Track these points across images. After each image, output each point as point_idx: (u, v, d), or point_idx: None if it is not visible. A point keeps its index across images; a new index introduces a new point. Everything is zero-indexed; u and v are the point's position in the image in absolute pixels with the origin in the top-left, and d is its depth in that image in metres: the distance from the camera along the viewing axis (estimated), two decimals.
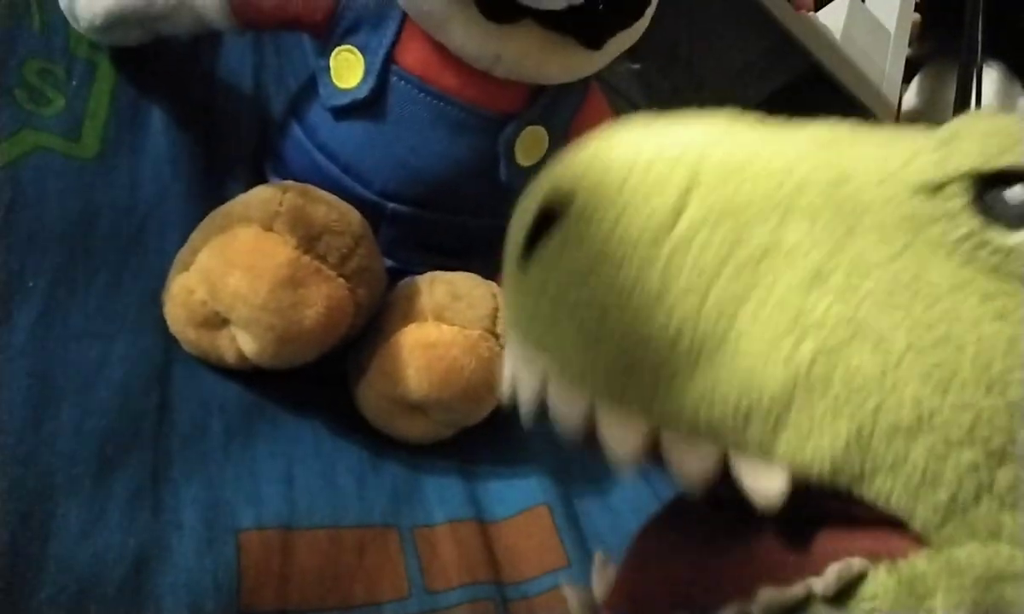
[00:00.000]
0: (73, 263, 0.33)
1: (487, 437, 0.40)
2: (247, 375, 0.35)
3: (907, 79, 0.75)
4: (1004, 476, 0.18)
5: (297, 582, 0.30)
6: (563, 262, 0.20)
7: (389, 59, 0.36)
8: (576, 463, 0.42)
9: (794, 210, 0.19)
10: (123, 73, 0.39)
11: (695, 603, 0.20)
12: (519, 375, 0.21)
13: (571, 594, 0.23)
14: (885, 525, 0.18)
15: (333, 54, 0.37)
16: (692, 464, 0.19)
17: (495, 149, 0.38)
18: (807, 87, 0.50)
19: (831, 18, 0.51)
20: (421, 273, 0.39)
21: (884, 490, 0.18)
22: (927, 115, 0.90)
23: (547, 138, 0.40)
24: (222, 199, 0.40)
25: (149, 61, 0.40)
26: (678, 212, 0.19)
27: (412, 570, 0.33)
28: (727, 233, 0.19)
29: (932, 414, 0.18)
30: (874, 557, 0.18)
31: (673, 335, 0.19)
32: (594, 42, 0.34)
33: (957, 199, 0.19)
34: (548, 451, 0.41)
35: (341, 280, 0.32)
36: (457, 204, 0.40)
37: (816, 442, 0.18)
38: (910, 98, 0.92)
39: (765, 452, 0.18)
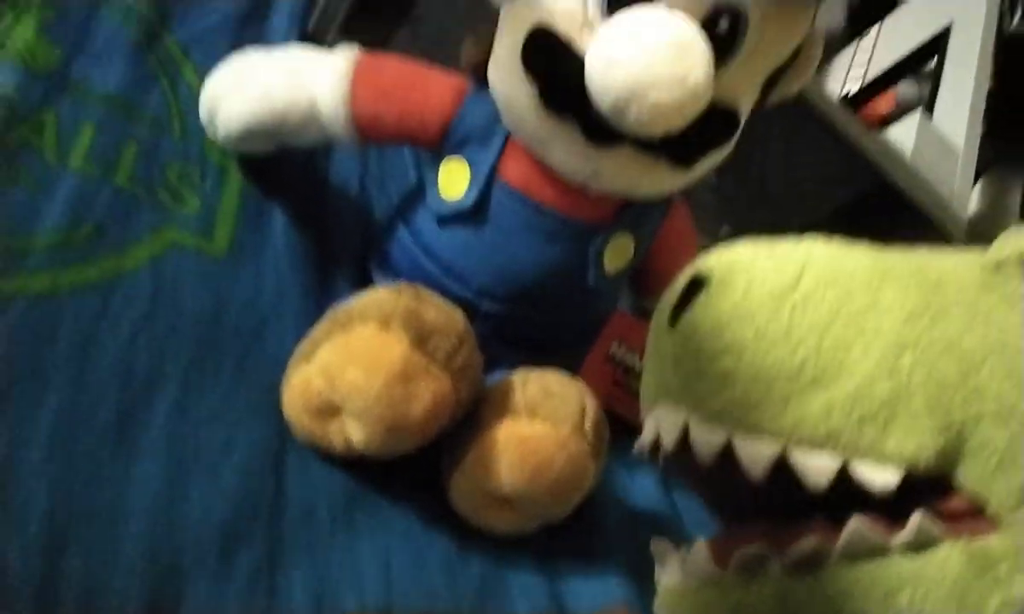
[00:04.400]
0: (204, 353, 0.36)
1: (569, 532, 0.41)
2: (350, 462, 0.37)
3: None
4: None
5: None
6: (706, 320, 0.26)
7: (493, 172, 0.40)
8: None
9: (887, 281, 0.25)
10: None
11: (781, 541, 0.24)
12: (663, 423, 0.27)
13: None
14: (967, 516, 0.23)
15: (442, 166, 0.41)
16: (816, 470, 0.23)
17: (585, 255, 0.41)
18: (876, 202, 0.52)
19: (901, 135, 0.54)
20: (509, 365, 0.42)
21: (969, 475, 0.23)
22: (991, 221, 0.91)
23: (633, 246, 0.42)
24: (332, 294, 0.43)
25: (272, 166, 0.44)
26: (796, 281, 0.25)
27: None
28: (837, 295, 0.25)
29: (1012, 408, 0.23)
30: (954, 536, 0.22)
31: (797, 368, 0.24)
32: (685, 163, 0.37)
33: (1014, 270, 0.26)
34: (629, 548, 0.42)
35: (447, 376, 0.34)
36: (546, 304, 0.43)
37: (918, 437, 0.23)
38: (973, 204, 0.93)
39: (878, 452, 0.23)
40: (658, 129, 0.32)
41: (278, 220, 0.43)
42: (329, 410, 0.35)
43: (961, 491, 0.23)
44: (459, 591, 0.36)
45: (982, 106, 0.58)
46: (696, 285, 0.27)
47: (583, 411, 0.38)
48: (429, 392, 0.34)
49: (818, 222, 0.58)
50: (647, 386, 0.29)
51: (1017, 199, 0.88)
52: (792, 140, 0.51)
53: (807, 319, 0.24)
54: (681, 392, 0.26)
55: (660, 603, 0.27)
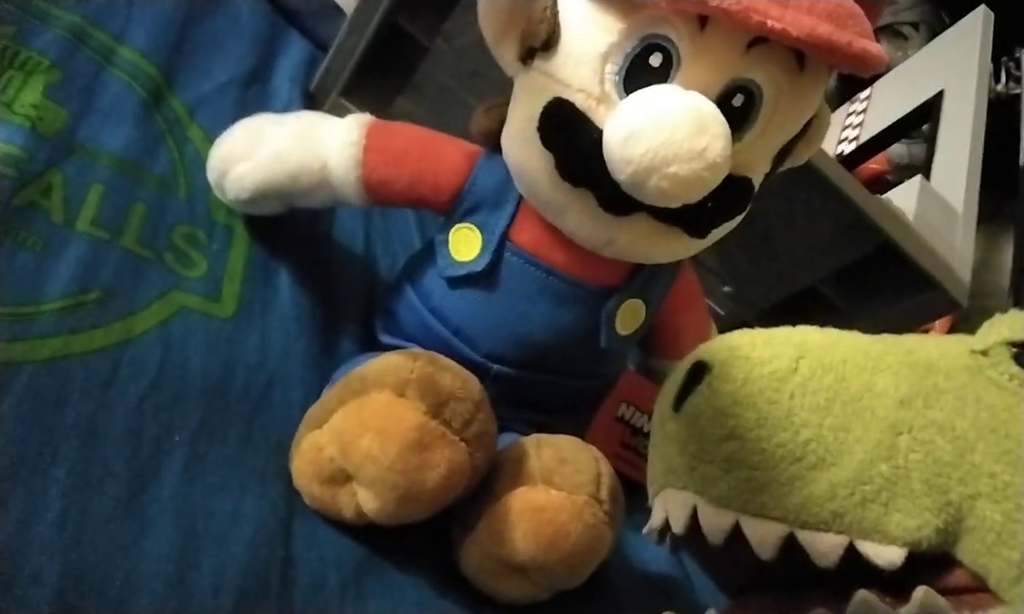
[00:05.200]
0: (212, 418, 0.35)
1: (581, 600, 0.40)
2: (358, 528, 0.36)
3: None
4: None
5: None
6: (709, 405, 0.26)
7: (505, 237, 0.40)
8: None
9: (879, 367, 0.26)
10: (256, 238, 0.43)
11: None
12: (671, 507, 0.27)
13: None
14: (969, 591, 0.23)
15: (453, 230, 0.40)
16: (825, 549, 0.24)
17: (597, 318, 0.41)
18: (879, 262, 0.53)
19: (902, 200, 0.55)
20: (520, 429, 0.41)
21: (969, 551, 0.24)
22: (985, 276, 0.92)
23: (644, 310, 0.42)
24: (338, 355, 0.43)
25: (278, 226, 0.44)
26: (794, 367, 0.26)
27: None
28: (832, 381, 0.26)
29: (1006, 486, 0.24)
30: (956, 611, 0.23)
31: (800, 451, 0.25)
32: (700, 232, 0.37)
33: (1001, 355, 0.27)
34: None
35: (462, 444, 0.34)
36: (557, 366, 0.42)
37: (919, 516, 0.24)
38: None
39: (882, 532, 0.24)
40: (676, 201, 0.32)
41: (284, 280, 0.43)
42: (339, 477, 0.35)
43: (963, 567, 0.24)
44: None
45: (979, 170, 0.60)
46: (698, 371, 0.28)
47: (598, 478, 0.37)
48: (444, 460, 0.33)
49: (821, 282, 0.59)
50: (653, 470, 0.30)
51: (1009, 255, 0.90)
52: (795, 201, 0.52)
53: (806, 403, 0.25)
54: (688, 475, 0.27)
55: None
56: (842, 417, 0.25)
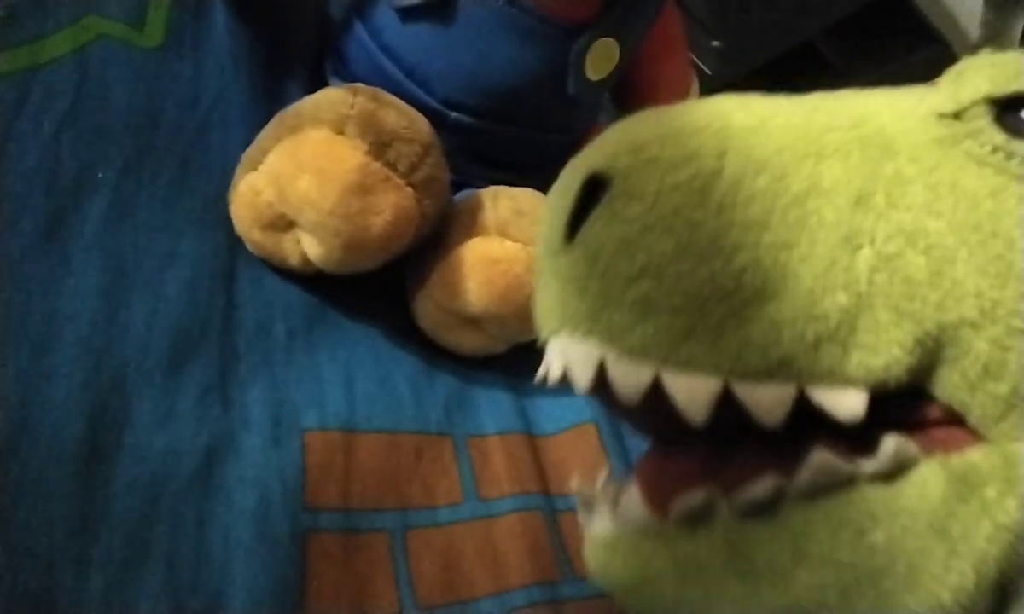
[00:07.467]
0: (140, 155, 0.33)
1: (538, 353, 0.40)
2: (309, 278, 0.35)
3: None
4: None
5: (358, 481, 0.31)
6: (612, 233, 0.19)
7: None
8: None
9: (824, 153, 0.20)
10: None
11: (728, 479, 0.20)
12: (572, 357, 0.21)
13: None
14: (942, 426, 0.19)
15: None
16: (769, 404, 0.19)
17: (565, 60, 0.37)
18: (880, 12, 0.48)
19: None
20: (480, 186, 0.39)
21: (947, 385, 0.19)
22: (995, 45, 0.86)
23: (618, 50, 0.39)
24: (283, 98, 0.39)
25: None
26: (718, 169, 0.19)
27: (465, 477, 0.34)
28: (768, 182, 0.19)
29: (994, 305, 0.19)
30: (928, 452, 0.19)
31: (732, 286, 0.19)
32: None
33: (980, 119, 0.20)
34: None
35: (409, 189, 0.32)
36: (521, 116, 0.39)
37: (886, 351, 0.19)
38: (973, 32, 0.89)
39: (839, 375, 0.19)
40: None
41: (219, 12, 0.39)
42: (281, 223, 0.33)
43: (934, 400, 0.19)
44: (426, 410, 0.36)
45: None
46: (595, 186, 0.21)
47: None
48: (390, 205, 0.31)
49: (817, 36, 0.54)
50: (544, 308, 0.23)
51: (1018, 30, 0.84)
52: None
53: (737, 218, 0.19)
54: (591, 323, 0.20)
55: (590, 555, 0.22)
56: (783, 230, 0.19)
